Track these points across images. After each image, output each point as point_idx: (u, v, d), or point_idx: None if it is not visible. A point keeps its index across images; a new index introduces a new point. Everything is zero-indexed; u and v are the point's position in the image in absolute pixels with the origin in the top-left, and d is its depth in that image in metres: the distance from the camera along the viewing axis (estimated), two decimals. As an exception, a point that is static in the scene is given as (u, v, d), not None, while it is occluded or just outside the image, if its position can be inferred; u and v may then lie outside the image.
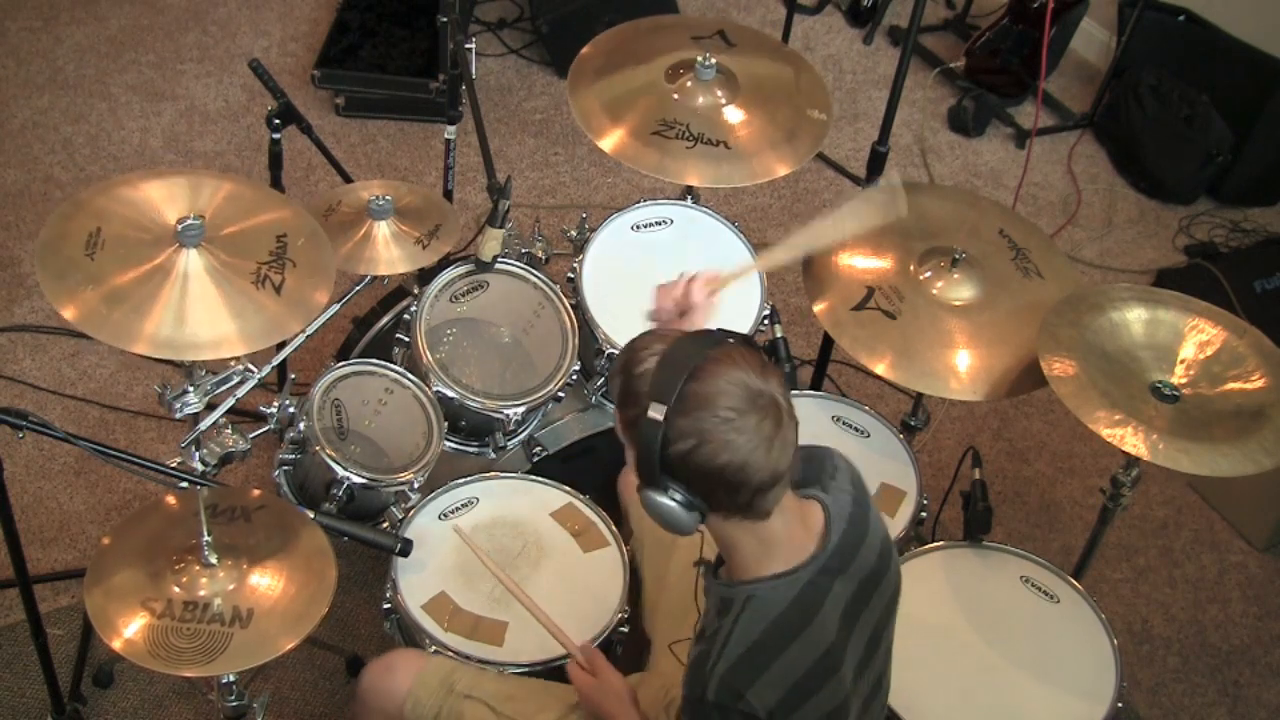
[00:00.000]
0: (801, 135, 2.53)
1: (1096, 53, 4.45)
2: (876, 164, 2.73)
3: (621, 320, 2.46)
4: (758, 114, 2.54)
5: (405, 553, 2.16)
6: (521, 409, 2.40)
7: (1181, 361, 2.17)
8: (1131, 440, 2.01)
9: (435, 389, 2.37)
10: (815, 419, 2.50)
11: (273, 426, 2.29)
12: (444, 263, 2.47)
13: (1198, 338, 2.19)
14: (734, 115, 2.53)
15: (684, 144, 2.47)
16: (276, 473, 2.37)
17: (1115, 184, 4.07)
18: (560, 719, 1.96)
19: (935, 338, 2.31)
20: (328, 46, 3.95)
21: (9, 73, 3.95)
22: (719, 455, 1.45)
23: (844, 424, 2.50)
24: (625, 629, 2.16)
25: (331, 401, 2.36)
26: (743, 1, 4.60)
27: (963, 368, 2.28)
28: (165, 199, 1.99)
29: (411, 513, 2.28)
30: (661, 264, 2.57)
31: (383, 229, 2.38)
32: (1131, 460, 2.19)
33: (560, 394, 2.46)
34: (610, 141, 2.47)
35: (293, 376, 2.72)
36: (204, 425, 2.12)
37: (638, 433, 1.48)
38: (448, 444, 2.43)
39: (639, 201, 2.63)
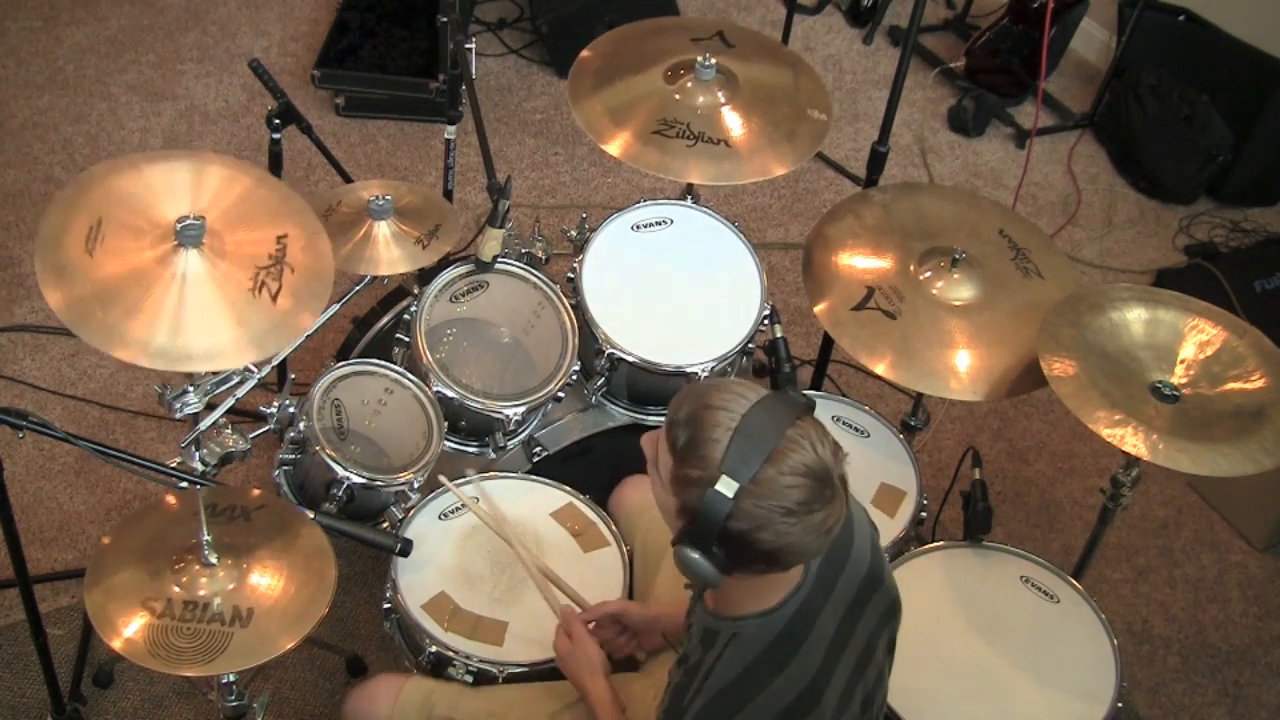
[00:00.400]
0: (801, 135, 2.53)
1: (1096, 53, 4.45)
2: (876, 164, 2.73)
3: (622, 320, 2.46)
4: (758, 114, 2.54)
5: (405, 553, 2.16)
6: (521, 409, 2.40)
7: (1181, 361, 2.17)
8: (1131, 440, 2.01)
9: (435, 389, 2.37)
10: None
11: (273, 426, 2.29)
12: (444, 263, 2.47)
13: (1198, 338, 2.19)
14: (734, 115, 2.53)
15: (684, 143, 2.47)
16: (276, 473, 2.37)
17: (1115, 184, 4.08)
18: None
19: (935, 338, 2.31)
20: (328, 46, 3.95)
21: (9, 73, 3.95)
22: (776, 541, 1.44)
23: (844, 424, 2.50)
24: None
25: (331, 401, 2.36)
26: (743, 2, 4.60)
27: (963, 368, 2.28)
28: (167, 188, 1.96)
29: (411, 513, 2.28)
30: (661, 264, 2.58)
31: (383, 229, 2.38)
32: (1131, 460, 2.19)
33: (560, 394, 2.46)
34: (615, 145, 2.47)
35: (293, 376, 2.72)
36: (204, 425, 2.12)
37: (697, 496, 1.45)
38: (448, 444, 2.43)
39: (639, 201, 2.63)
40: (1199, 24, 3.96)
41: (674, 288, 2.55)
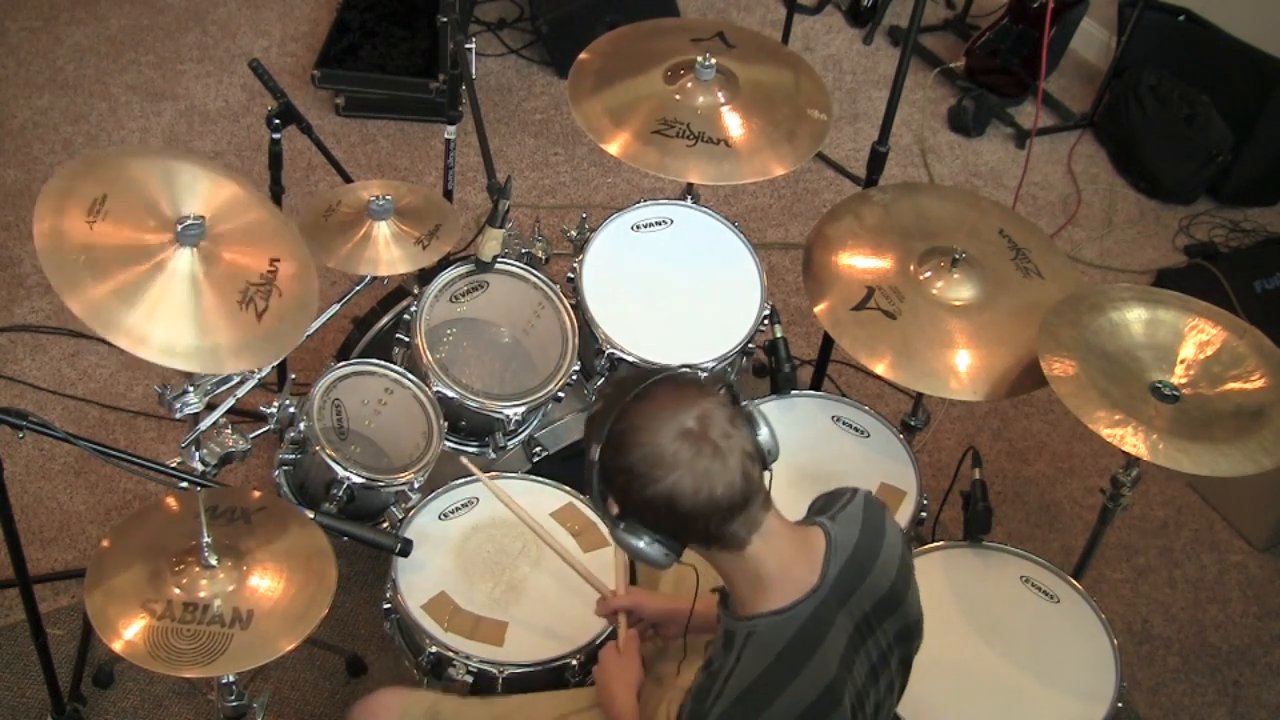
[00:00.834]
0: (801, 135, 2.53)
1: (1096, 53, 4.45)
2: (876, 164, 2.73)
3: (621, 320, 2.46)
4: (758, 114, 2.54)
5: (405, 553, 2.16)
6: (521, 409, 2.40)
7: (1181, 361, 2.17)
8: (1131, 440, 2.01)
9: (435, 389, 2.37)
10: (815, 419, 2.50)
11: (273, 426, 2.29)
12: (444, 263, 2.47)
13: (1198, 338, 2.19)
14: (734, 115, 2.53)
15: (685, 143, 2.47)
16: (276, 473, 2.37)
17: (1115, 184, 4.07)
18: None
19: (935, 338, 2.31)
20: (328, 46, 3.95)
21: (9, 73, 3.95)
22: (645, 489, 1.50)
23: (844, 424, 2.50)
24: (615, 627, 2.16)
25: (331, 401, 2.36)
26: (743, 2, 4.60)
27: (963, 368, 2.28)
28: (178, 187, 1.96)
29: (411, 513, 2.28)
30: (661, 264, 2.58)
31: (383, 229, 2.38)
32: (1131, 460, 2.19)
33: (560, 394, 2.46)
34: (615, 145, 2.47)
35: (293, 376, 2.72)
36: (204, 425, 2.12)
37: (587, 473, 1.57)
38: (448, 444, 2.43)
39: (639, 201, 2.63)
40: (1199, 24, 3.96)
41: (674, 288, 2.55)
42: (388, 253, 2.37)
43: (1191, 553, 3.07)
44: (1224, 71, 3.86)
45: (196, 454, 2.12)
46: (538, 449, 2.52)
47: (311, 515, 2.08)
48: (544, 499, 2.35)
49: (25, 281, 3.32)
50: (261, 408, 2.29)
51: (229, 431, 2.16)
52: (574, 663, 2.09)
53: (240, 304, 1.89)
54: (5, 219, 3.49)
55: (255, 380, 2.18)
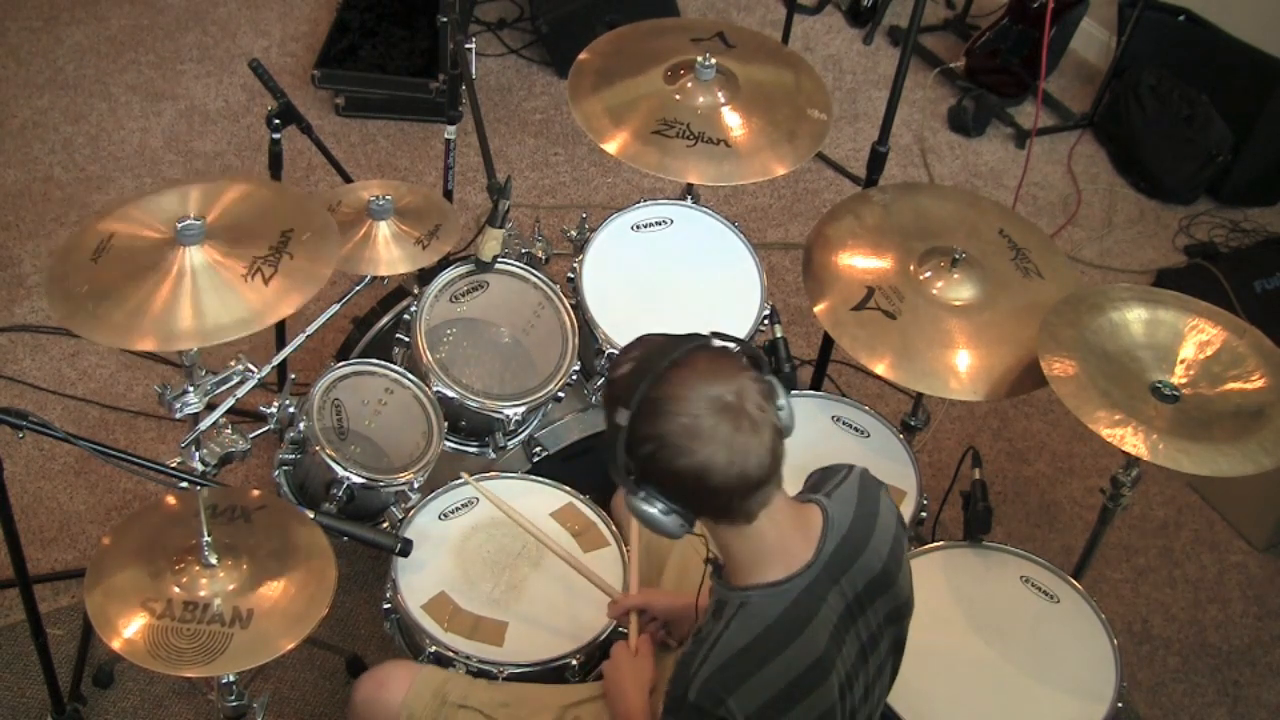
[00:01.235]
0: (801, 135, 2.53)
1: (1096, 53, 4.45)
2: (876, 164, 2.73)
3: (621, 320, 2.46)
4: (758, 114, 2.54)
5: (405, 553, 2.16)
6: (521, 409, 2.40)
7: (1181, 361, 2.17)
8: (1131, 440, 2.01)
9: (435, 389, 2.37)
10: (815, 419, 2.50)
11: (273, 426, 2.29)
12: (444, 263, 2.47)
13: (1198, 338, 2.19)
14: (734, 115, 2.53)
15: (685, 143, 2.47)
16: (276, 473, 2.37)
17: (1115, 184, 4.07)
18: None
19: (935, 338, 2.31)
20: (328, 46, 3.95)
21: (9, 73, 3.95)
22: (676, 460, 1.48)
23: (844, 424, 2.50)
24: (625, 629, 2.15)
25: (331, 401, 2.36)
26: (743, 2, 4.60)
27: (963, 368, 2.28)
28: (178, 204, 2.01)
29: (411, 513, 2.28)
30: (661, 264, 2.57)
31: (383, 229, 2.38)
32: (1131, 460, 2.19)
33: (560, 394, 2.46)
34: (614, 145, 2.47)
35: (293, 376, 2.72)
36: (204, 425, 2.12)
37: (610, 436, 1.53)
38: (448, 444, 2.43)
39: (639, 201, 2.63)
40: (1199, 24, 3.96)
41: (674, 288, 2.55)
42: (388, 253, 2.37)
43: (1191, 553, 3.07)
44: (1224, 71, 3.86)
45: (196, 454, 2.12)
46: (538, 449, 2.52)
47: (311, 515, 2.08)
48: (544, 499, 2.35)
49: (25, 281, 3.32)
50: (261, 408, 2.29)
51: (229, 431, 2.16)
52: (574, 663, 2.09)
53: (246, 276, 1.93)
54: (5, 219, 3.49)
55: (255, 380, 2.18)
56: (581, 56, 2.62)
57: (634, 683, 1.86)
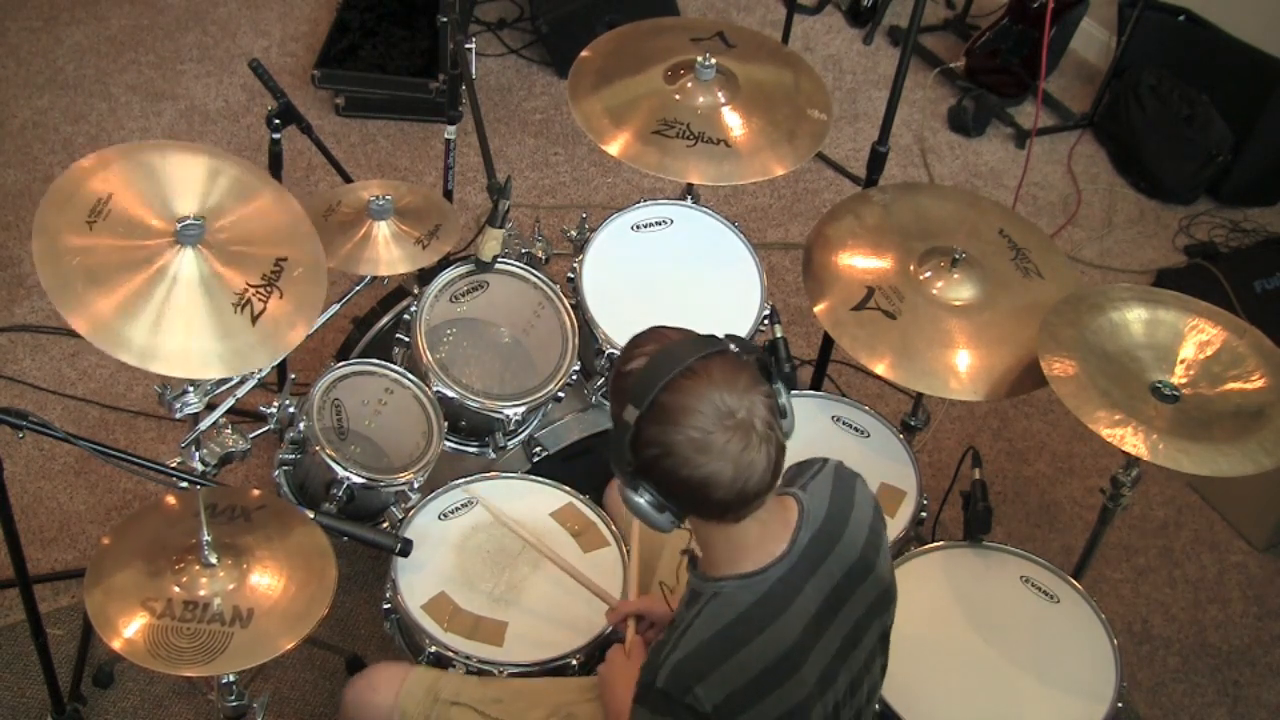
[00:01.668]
0: (801, 135, 2.53)
1: (1096, 53, 4.45)
2: (876, 164, 2.73)
3: (621, 320, 2.46)
4: (758, 114, 2.54)
5: (405, 553, 2.16)
6: (521, 409, 2.40)
7: (1181, 361, 2.17)
8: (1131, 440, 2.01)
9: (435, 389, 2.37)
10: (815, 419, 2.50)
11: (273, 426, 2.29)
12: (444, 263, 2.47)
13: (1198, 338, 2.19)
14: (734, 115, 2.53)
15: (685, 143, 2.47)
16: (276, 473, 2.37)
17: (1115, 184, 4.07)
18: (547, 718, 1.96)
19: (935, 338, 2.31)
20: (328, 46, 3.95)
21: (9, 73, 3.95)
22: (680, 469, 1.48)
23: (844, 424, 2.50)
24: (624, 634, 2.15)
25: (331, 401, 2.36)
26: (743, 2, 4.60)
27: (963, 368, 2.28)
28: (183, 184, 1.97)
29: (411, 513, 2.28)
30: (661, 264, 2.57)
31: (383, 229, 2.38)
32: (1131, 460, 2.19)
33: (560, 394, 2.46)
34: (615, 146, 2.47)
35: (293, 376, 2.71)
36: (204, 425, 2.12)
37: (615, 429, 1.53)
38: (448, 444, 2.43)
39: (639, 201, 2.63)
40: (1199, 24, 3.96)
41: (674, 288, 2.55)
42: (388, 253, 2.37)
43: (1191, 553, 3.07)
44: (1224, 71, 3.86)
45: (196, 454, 2.12)
46: (538, 449, 2.52)
47: (311, 515, 2.08)
48: (544, 499, 2.35)
49: (25, 281, 3.32)
50: (261, 408, 2.29)
51: (229, 431, 2.16)
52: (573, 663, 2.09)
53: (236, 307, 1.89)
54: (5, 219, 3.49)
55: (255, 380, 2.18)
56: (582, 56, 2.62)
57: (627, 686, 1.85)
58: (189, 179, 1.98)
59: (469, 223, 3.56)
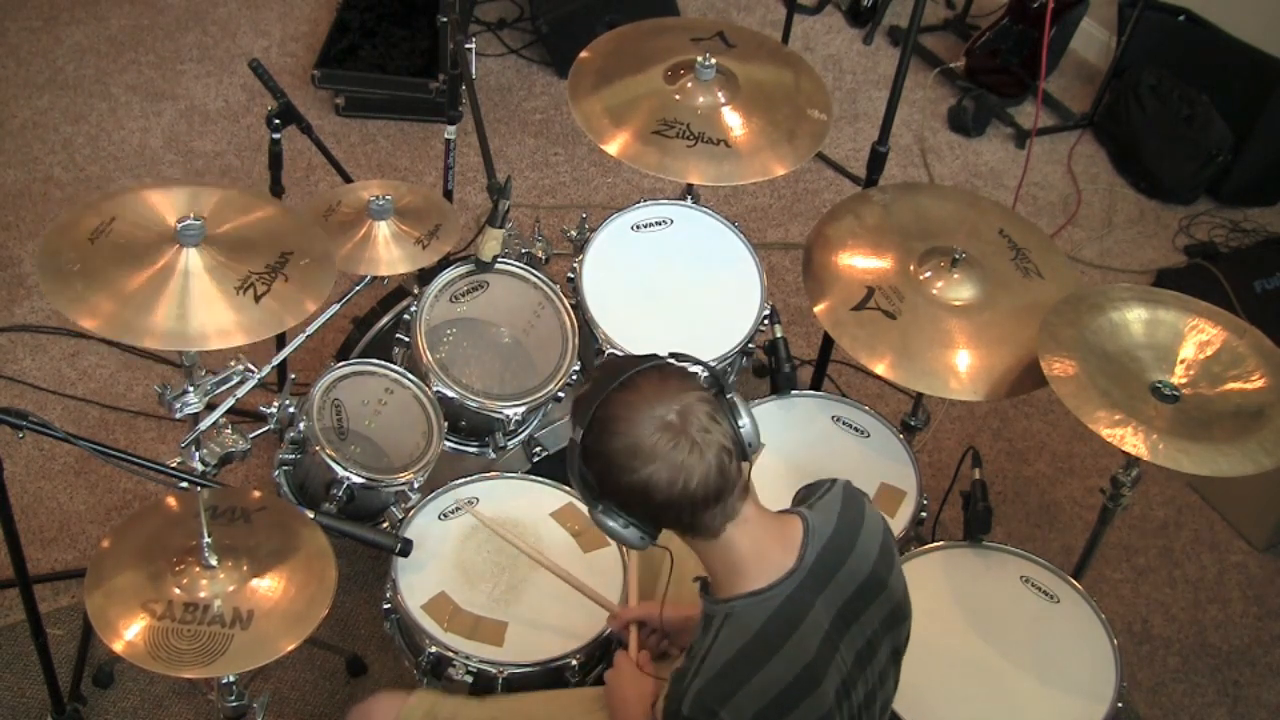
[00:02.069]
0: (801, 135, 2.53)
1: (1096, 53, 4.45)
2: (876, 164, 2.73)
3: (621, 320, 2.46)
4: (758, 114, 2.54)
5: (405, 553, 2.16)
6: (521, 409, 2.40)
7: (1181, 361, 2.17)
8: (1131, 440, 2.01)
9: (435, 389, 2.37)
10: (815, 419, 2.50)
11: (273, 426, 2.29)
12: (444, 263, 2.47)
13: (1198, 338, 2.19)
14: (734, 115, 2.53)
15: (685, 143, 2.47)
16: (276, 473, 2.37)
17: (1115, 184, 4.07)
18: None
19: (935, 338, 2.31)
20: (328, 46, 3.95)
21: (9, 73, 3.95)
22: (621, 477, 1.53)
23: (844, 424, 2.50)
24: (626, 641, 2.15)
25: (331, 401, 2.36)
26: (743, 2, 4.60)
27: (963, 368, 2.28)
28: (185, 204, 2.01)
29: (411, 513, 2.28)
30: (661, 264, 2.57)
31: (383, 229, 2.38)
32: (1131, 460, 2.19)
33: (560, 394, 2.46)
34: (614, 145, 2.47)
35: (293, 376, 2.72)
36: (204, 425, 2.12)
37: (569, 453, 1.60)
38: (448, 444, 2.43)
39: (639, 201, 2.63)
40: (1199, 24, 3.96)
41: (674, 288, 2.55)
42: (388, 253, 2.37)
43: (1191, 553, 3.07)
44: (1224, 71, 3.86)
45: (196, 454, 2.12)
46: (538, 449, 2.52)
47: (311, 515, 2.08)
48: (544, 499, 2.35)
49: (25, 281, 3.32)
50: (261, 408, 2.29)
51: (229, 431, 2.16)
52: (574, 663, 2.09)
53: (239, 289, 1.92)
54: (5, 219, 3.49)
55: (255, 380, 2.18)
56: (582, 55, 2.62)
57: (636, 694, 1.86)
58: (188, 204, 2.02)
59: (469, 223, 3.56)
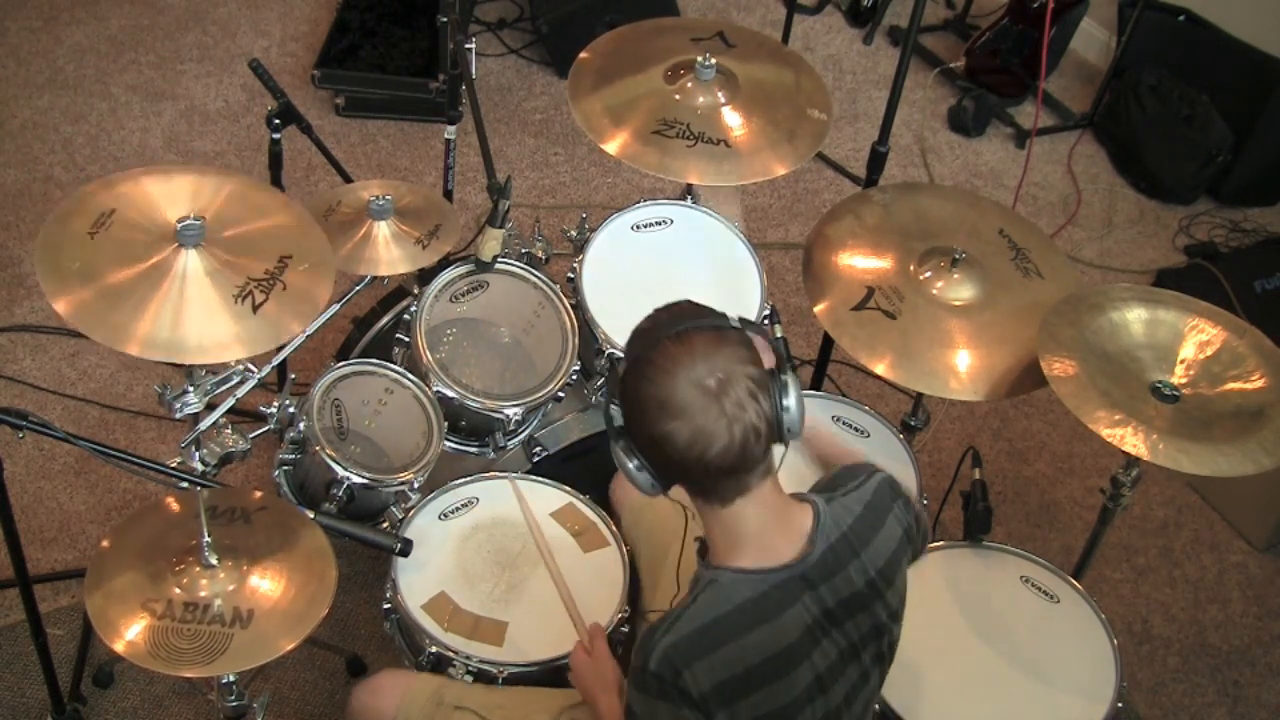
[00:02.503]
0: (802, 135, 2.53)
1: (1096, 53, 4.45)
2: (876, 164, 2.73)
3: (621, 320, 2.46)
4: (758, 114, 2.54)
5: (405, 553, 2.16)
6: (521, 409, 2.40)
7: (1181, 361, 2.17)
8: (1131, 440, 2.01)
9: (435, 389, 2.37)
10: (815, 419, 2.50)
11: (273, 426, 2.29)
12: (444, 263, 2.47)
13: (1198, 338, 2.19)
14: (734, 115, 2.53)
15: (685, 143, 2.47)
16: (276, 473, 2.37)
17: (1115, 184, 4.08)
18: None
19: (935, 338, 2.31)
20: (328, 46, 3.95)
21: (9, 73, 3.95)
22: (643, 422, 1.53)
23: (844, 424, 2.50)
24: (626, 629, 2.16)
25: (331, 401, 2.36)
26: (743, 2, 4.60)
27: (963, 368, 2.28)
28: (184, 194, 1.97)
29: (411, 513, 2.28)
30: (661, 264, 2.57)
31: (383, 229, 2.38)
32: (1131, 460, 2.19)
33: (560, 394, 2.46)
34: (615, 145, 2.47)
35: (293, 376, 2.72)
36: (204, 425, 2.12)
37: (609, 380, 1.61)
38: (448, 444, 2.43)
39: (639, 201, 2.63)
40: (1199, 24, 3.96)
41: (674, 288, 2.52)
42: (388, 253, 2.37)
43: (1191, 553, 3.07)
44: (1224, 71, 3.86)
45: (196, 454, 2.11)
46: (538, 449, 2.52)
47: (311, 515, 2.08)
48: (544, 499, 2.35)
49: (25, 281, 3.32)
50: (261, 408, 2.29)
51: (229, 431, 2.15)
52: (574, 663, 2.09)
53: (236, 298, 1.89)
54: (5, 219, 3.49)
55: (255, 380, 2.17)
56: (582, 56, 2.62)
57: (599, 685, 1.84)
58: (190, 194, 1.98)
59: (469, 223, 3.56)
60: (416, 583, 2.18)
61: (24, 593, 2.18)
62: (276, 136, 2.55)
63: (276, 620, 1.91)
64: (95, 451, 1.94)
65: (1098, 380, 2.10)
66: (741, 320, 1.61)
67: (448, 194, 3.07)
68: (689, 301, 1.63)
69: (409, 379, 2.38)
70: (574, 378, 2.46)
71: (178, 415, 2.07)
